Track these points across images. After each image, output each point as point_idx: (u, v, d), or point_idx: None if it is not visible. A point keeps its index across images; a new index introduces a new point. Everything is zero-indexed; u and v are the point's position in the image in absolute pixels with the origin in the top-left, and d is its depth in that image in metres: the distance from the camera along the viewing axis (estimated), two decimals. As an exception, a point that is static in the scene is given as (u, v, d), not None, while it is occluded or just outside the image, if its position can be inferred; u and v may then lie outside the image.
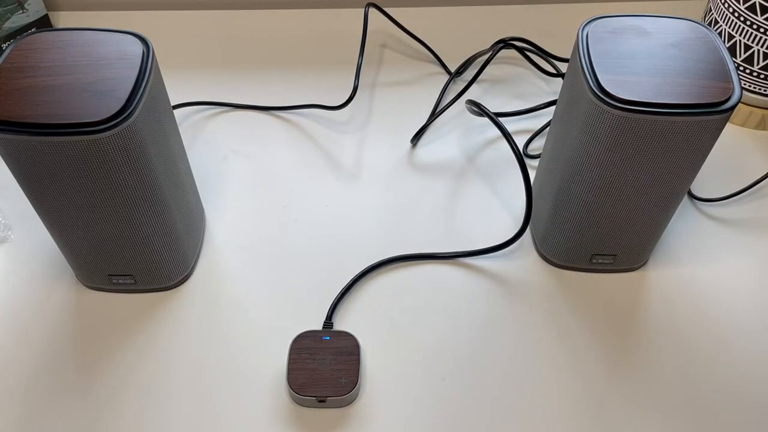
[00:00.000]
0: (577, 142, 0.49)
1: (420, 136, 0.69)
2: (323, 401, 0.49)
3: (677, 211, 0.62)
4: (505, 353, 0.53)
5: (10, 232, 0.61)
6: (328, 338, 0.52)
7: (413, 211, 0.63)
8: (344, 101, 0.70)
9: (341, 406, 0.50)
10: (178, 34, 0.80)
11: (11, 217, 0.62)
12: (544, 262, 0.59)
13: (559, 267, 0.58)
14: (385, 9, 0.82)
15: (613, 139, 0.47)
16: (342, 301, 0.56)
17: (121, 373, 0.52)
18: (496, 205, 0.63)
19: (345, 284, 0.57)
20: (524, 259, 0.59)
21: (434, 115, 0.69)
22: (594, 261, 0.57)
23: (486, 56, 0.74)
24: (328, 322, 0.54)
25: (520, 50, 0.73)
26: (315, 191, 0.64)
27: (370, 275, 0.58)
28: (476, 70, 0.70)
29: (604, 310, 0.56)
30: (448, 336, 0.54)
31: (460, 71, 0.75)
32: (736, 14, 0.65)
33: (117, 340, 0.54)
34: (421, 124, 0.70)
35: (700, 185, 0.65)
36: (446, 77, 0.76)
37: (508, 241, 0.58)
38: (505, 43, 0.72)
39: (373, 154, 0.68)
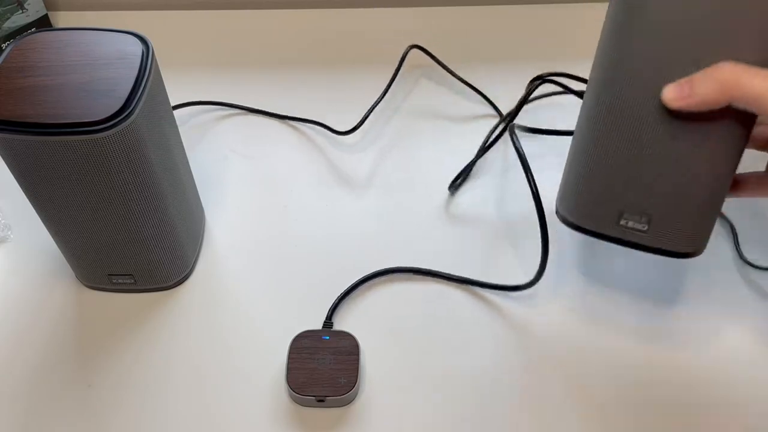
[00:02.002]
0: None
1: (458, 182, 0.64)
2: (322, 401, 0.49)
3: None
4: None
5: (9, 232, 0.61)
6: (327, 338, 0.52)
7: (418, 222, 0.63)
8: (352, 127, 0.67)
9: (340, 406, 0.50)
10: (178, 34, 0.80)
11: (11, 216, 0.62)
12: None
13: None
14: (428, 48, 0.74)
15: None
16: (343, 302, 0.56)
17: (120, 373, 0.52)
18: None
19: (347, 285, 0.57)
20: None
21: (479, 155, 0.64)
22: None
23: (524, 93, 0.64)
24: (328, 321, 0.54)
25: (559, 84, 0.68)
26: (316, 191, 0.64)
27: (375, 280, 0.58)
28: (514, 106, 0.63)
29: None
30: (448, 347, 0.54)
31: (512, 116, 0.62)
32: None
33: (117, 340, 0.54)
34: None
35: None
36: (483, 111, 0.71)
37: (524, 285, 0.55)
38: (542, 80, 0.66)
39: (380, 162, 0.68)
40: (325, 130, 0.69)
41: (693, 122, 0.42)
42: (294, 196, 0.64)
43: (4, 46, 0.74)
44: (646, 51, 0.42)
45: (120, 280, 0.55)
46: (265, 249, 0.60)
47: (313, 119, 0.69)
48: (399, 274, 0.58)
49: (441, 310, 0.56)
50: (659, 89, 0.41)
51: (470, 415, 0.50)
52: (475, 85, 0.72)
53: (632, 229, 0.46)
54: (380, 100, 0.69)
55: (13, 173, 0.47)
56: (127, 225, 0.50)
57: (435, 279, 0.58)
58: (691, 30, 0.40)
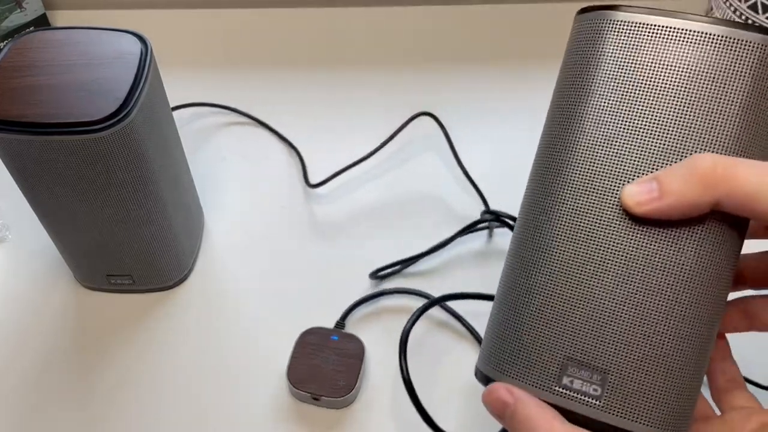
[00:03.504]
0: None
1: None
2: (317, 399, 0.49)
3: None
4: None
5: (7, 232, 0.61)
6: (336, 338, 0.51)
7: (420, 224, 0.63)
8: (325, 178, 0.62)
9: (335, 408, 0.50)
10: (178, 34, 0.80)
11: (9, 216, 0.62)
12: None
13: None
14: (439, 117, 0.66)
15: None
16: (361, 307, 0.55)
17: (120, 372, 0.52)
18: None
19: (348, 287, 0.56)
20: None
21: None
22: None
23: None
24: (341, 322, 0.53)
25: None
26: (317, 191, 0.64)
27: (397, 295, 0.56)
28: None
29: None
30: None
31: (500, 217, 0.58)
32: (738, 13, 0.65)
33: (115, 341, 0.54)
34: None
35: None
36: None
37: None
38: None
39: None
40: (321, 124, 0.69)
41: (660, 237, 0.30)
42: (294, 197, 0.63)
43: (2, 45, 0.74)
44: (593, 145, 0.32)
45: (118, 281, 0.55)
46: (263, 250, 0.60)
47: (300, 149, 0.66)
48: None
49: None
50: (614, 191, 0.31)
51: None
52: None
53: (578, 393, 0.31)
54: (365, 158, 0.63)
55: (11, 173, 0.46)
56: (125, 225, 0.49)
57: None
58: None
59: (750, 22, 0.64)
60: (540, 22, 0.81)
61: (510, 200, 0.60)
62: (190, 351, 0.53)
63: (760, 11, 0.62)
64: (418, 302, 0.55)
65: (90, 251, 0.52)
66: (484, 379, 0.34)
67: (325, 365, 0.50)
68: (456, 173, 0.63)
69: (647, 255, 0.30)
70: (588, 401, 0.30)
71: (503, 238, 0.60)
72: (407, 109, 0.67)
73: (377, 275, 0.56)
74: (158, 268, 0.54)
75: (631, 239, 0.31)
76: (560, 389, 0.31)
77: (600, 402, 0.30)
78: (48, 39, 0.47)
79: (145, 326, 0.55)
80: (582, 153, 0.32)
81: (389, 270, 0.56)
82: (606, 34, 0.32)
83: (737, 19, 0.65)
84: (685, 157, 0.30)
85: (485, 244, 0.60)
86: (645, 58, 0.31)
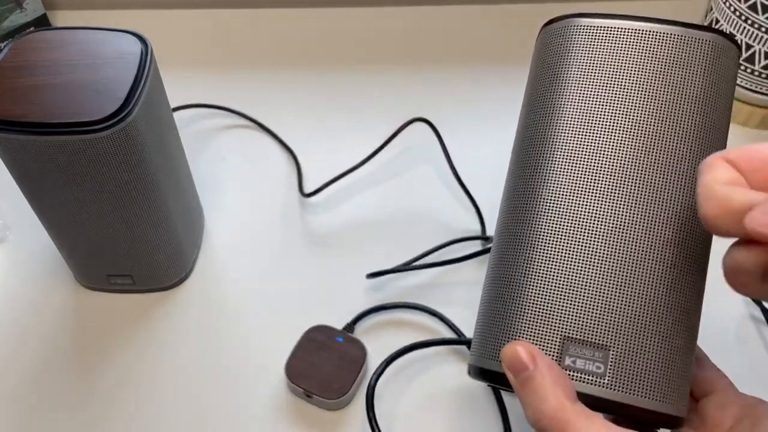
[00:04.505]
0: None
1: None
2: (310, 396, 0.49)
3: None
4: None
5: (8, 232, 0.61)
6: (341, 339, 0.51)
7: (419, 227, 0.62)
8: (319, 187, 0.61)
9: (327, 409, 0.50)
10: (178, 34, 0.80)
11: (9, 216, 0.61)
12: None
13: None
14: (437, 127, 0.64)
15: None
16: (374, 314, 0.55)
17: (120, 372, 0.52)
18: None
19: (347, 288, 0.56)
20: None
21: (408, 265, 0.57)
22: None
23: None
24: (350, 326, 0.53)
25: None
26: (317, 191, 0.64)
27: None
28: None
29: None
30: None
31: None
32: (737, 13, 0.65)
33: (115, 341, 0.54)
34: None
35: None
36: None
37: None
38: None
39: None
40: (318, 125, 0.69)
41: (645, 211, 0.32)
42: (294, 198, 0.63)
43: (2, 45, 0.74)
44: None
45: (119, 281, 0.55)
46: (264, 250, 0.60)
47: (298, 151, 0.66)
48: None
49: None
50: (598, 169, 0.32)
51: None
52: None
53: (582, 372, 0.31)
54: (359, 166, 0.62)
55: (11, 172, 0.46)
56: (125, 225, 0.49)
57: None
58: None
59: (750, 22, 0.64)
60: (539, 24, 0.81)
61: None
62: (190, 351, 0.53)
63: (759, 11, 0.62)
64: (433, 321, 0.55)
65: (90, 251, 0.52)
66: (480, 372, 0.33)
67: (324, 364, 0.50)
68: (450, 180, 0.63)
69: (633, 231, 0.32)
70: (593, 380, 0.30)
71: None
72: (407, 109, 0.67)
73: (375, 275, 0.56)
74: (158, 268, 0.54)
75: (617, 215, 0.32)
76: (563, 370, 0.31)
77: (605, 380, 0.30)
78: (48, 39, 0.47)
79: (145, 326, 0.55)
80: (561, 142, 0.34)
81: (389, 273, 0.56)
82: (571, 39, 0.35)
83: (737, 20, 0.65)
84: (655, 144, 0.32)
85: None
86: (609, 58, 0.34)
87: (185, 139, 0.68)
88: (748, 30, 0.64)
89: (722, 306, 0.55)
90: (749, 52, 0.66)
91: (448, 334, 0.54)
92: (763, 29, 0.63)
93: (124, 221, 0.49)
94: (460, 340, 0.52)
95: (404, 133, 0.63)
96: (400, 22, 0.81)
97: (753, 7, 0.63)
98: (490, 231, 0.60)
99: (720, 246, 0.30)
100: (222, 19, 0.82)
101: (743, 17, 0.64)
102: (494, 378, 0.32)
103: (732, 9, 0.65)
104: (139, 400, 0.51)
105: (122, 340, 0.54)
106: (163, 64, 0.77)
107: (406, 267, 0.56)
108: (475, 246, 0.59)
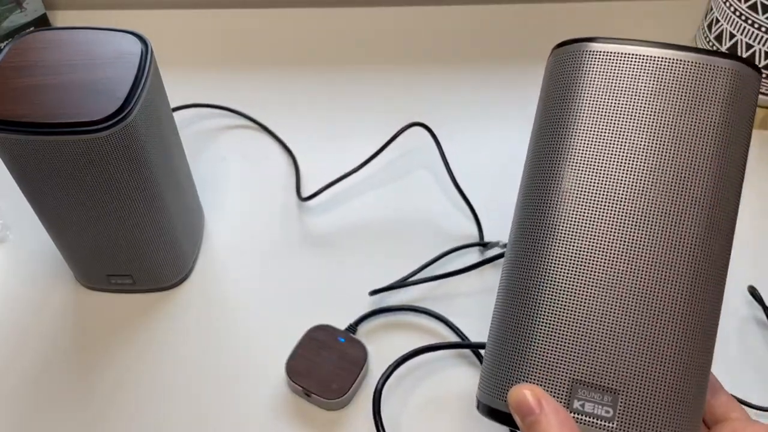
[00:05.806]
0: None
1: None
2: (309, 395, 0.49)
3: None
4: None
5: (8, 232, 0.61)
6: (343, 340, 0.51)
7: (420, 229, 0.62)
8: (316, 191, 0.61)
9: (325, 409, 0.50)
10: (178, 34, 0.80)
11: (9, 217, 0.61)
12: None
13: None
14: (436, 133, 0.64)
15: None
16: (377, 316, 0.55)
17: (120, 372, 0.52)
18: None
19: (349, 289, 0.56)
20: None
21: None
22: None
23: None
24: (353, 326, 0.53)
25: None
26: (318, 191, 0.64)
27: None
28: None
29: None
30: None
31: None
32: (738, 13, 0.65)
33: (115, 340, 0.54)
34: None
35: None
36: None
37: None
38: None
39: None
40: (317, 124, 0.69)
41: (657, 254, 0.31)
42: (293, 198, 0.63)
43: (2, 45, 0.74)
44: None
45: (119, 281, 0.55)
46: (264, 250, 0.60)
47: (297, 152, 0.66)
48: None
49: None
50: (609, 210, 0.32)
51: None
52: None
53: (590, 416, 0.30)
54: (356, 170, 0.62)
55: (11, 173, 0.46)
56: (125, 225, 0.49)
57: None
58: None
59: (750, 22, 0.64)
60: (539, 25, 0.81)
61: (503, 213, 0.61)
62: (190, 351, 0.53)
63: (759, 11, 0.62)
64: (436, 325, 0.55)
65: (90, 251, 0.52)
66: (489, 411, 0.33)
67: (324, 364, 0.50)
68: (448, 183, 0.63)
69: (645, 274, 0.31)
70: (601, 424, 0.30)
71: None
72: (407, 109, 0.67)
73: (377, 291, 0.55)
74: (158, 268, 0.54)
75: (629, 257, 0.31)
76: (571, 414, 0.30)
77: (613, 424, 0.30)
78: (48, 39, 0.47)
79: (145, 326, 0.55)
80: (573, 172, 0.33)
81: (390, 289, 0.55)
82: (584, 65, 0.34)
83: (738, 20, 0.65)
84: (670, 175, 0.31)
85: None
86: (624, 86, 0.33)
87: (185, 139, 0.68)
88: (748, 30, 0.64)
89: (724, 307, 0.55)
90: (749, 52, 0.66)
91: (452, 338, 0.54)
92: (763, 29, 0.63)
93: (123, 221, 0.49)
94: (470, 344, 0.51)
95: (403, 135, 0.63)
96: (400, 22, 0.81)
97: (753, 7, 0.63)
98: (488, 236, 0.60)
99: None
100: (222, 19, 0.81)
101: (743, 17, 0.64)
102: (502, 417, 0.32)
103: (732, 9, 0.65)
104: (139, 400, 0.51)
105: (122, 340, 0.54)
106: (163, 64, 0.77)
107: (407, 282, 0.56)
108: (474, 252, 0.59)
